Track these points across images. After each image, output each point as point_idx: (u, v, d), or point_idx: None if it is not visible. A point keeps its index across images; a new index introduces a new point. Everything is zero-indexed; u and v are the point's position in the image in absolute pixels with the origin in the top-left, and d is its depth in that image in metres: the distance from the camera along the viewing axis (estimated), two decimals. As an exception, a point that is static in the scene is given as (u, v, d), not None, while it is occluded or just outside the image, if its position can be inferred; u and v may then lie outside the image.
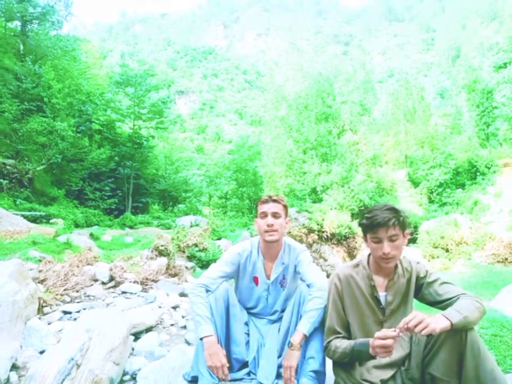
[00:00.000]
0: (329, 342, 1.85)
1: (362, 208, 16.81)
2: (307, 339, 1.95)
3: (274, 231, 2.12)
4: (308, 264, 2.18)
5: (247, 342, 2.16)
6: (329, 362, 1.99)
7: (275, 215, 2.14)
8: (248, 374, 2.09)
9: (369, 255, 1.89)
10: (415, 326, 1.48)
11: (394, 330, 1.53)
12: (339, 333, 1.85)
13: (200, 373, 1.95)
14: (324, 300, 1.97)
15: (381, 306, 1.82)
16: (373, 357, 1.66)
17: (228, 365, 1.94)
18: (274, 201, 2.17)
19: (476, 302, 1.64)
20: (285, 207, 2.22)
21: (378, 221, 1.71)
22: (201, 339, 1.97)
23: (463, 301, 1.65)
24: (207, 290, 2.11)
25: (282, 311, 2.21)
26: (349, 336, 1.85)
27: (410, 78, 31.83)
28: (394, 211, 1.73)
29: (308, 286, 2.09)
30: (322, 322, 1.98)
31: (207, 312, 2.02)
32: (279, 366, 2.02)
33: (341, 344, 1.79)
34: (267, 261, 2.25)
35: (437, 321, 1.52)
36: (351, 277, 1.86)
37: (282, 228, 2.16)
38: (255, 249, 2.27)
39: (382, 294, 1.83)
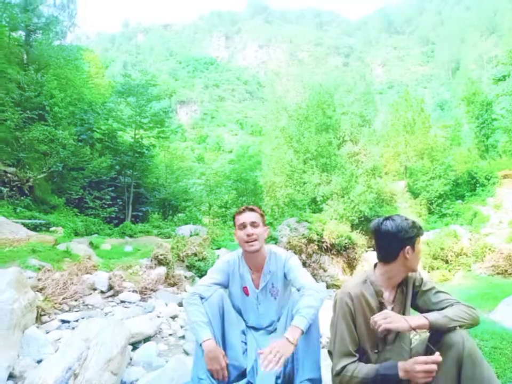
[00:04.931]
0: (344, 367, 1.74)
1: (362, 218, 16.79)
2: (300, 345, 1.90)
3: (255, 240, 2.12)
4: (298, 270, 2.16)
5: (245, 351, 2.15)
6: (324, 370, 1.98)
7: (253, 225, 2.15)
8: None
9: (374, 269, 1.87)
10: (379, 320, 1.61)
11: (440, 354, 1.54)
12: (353, 355, 1.76)
13: (199, 378, 1.97)
14: (317, 300, 1.93)
15: None
16: (400, 381, 1.62)
17: (226, 365, 1.97)
18: (251, 210, 2.19)
19: (466, 308, 1.67)
20: (262, 215, 2.24)
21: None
22: (200, 344, 1.97)
23: (452, 307, 1.68)
24: (201, 298, 2.12)
25: (279, 320, 2.19)
26: (359, 358, 1.78)
27: (410, 89, 32.01)
28: None
29: (298, 290, 2.07)
30: (315, 330, 1.96)
31: (203, 318, 2.03)
32: (277, 377, 1.98)
33: (360, 369, 1.71)
34: (253, 271, 2.25)
35: (412, 318, 1.62)
36: (362, 295, 1.80)
37: (262, 237, 2.17)
38: (241, 261, 2.27)
39: (389, 308, 1.83)
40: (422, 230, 1.79)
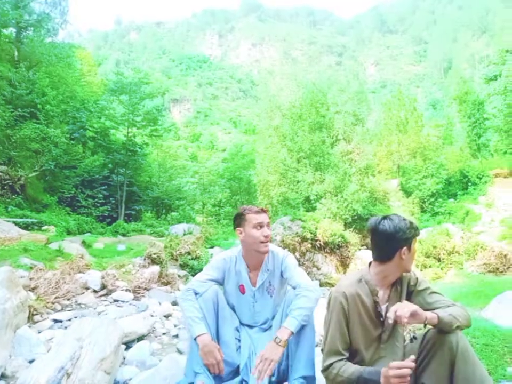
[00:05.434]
0: (331, 364, 1.74)
1: (355, 217, 16.85)
2: (294, 342, 1.92)
3: (268, 241, 2.15)
4: (294, 268, 2.19)
5: (238, 348, 2.16)
6: (318, 368, 1.98)
7: (268, 226, 2.17)
8: (241, 382, 2.08)
9: (369, 268, 1.86)
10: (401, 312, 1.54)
11: (412, 361, 1.50)
12: (342, 354, 1.75)
13: (195, 372, 1.98)
14: (311, 300, 1.96)
15: (382, 319, 1.80)
16: None
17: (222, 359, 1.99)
18: (265, 212, 2.21)
19: (463, 310, 1.69)
20: None
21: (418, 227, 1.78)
22: (195, 339, 1.98)
23: (452, 307, 1.69)
24: (196, 293, 2.13)
25: (273, 318, 2.21)
26: (349, 356, 1.78)
27: (403, 89, 32.20)
28: None
29: (294, 288, 2.09)
30: (310, 328, 1.96)
31: (198, 313, 2.04)
32: (271, 375, 1.96)
33: (346, 368, 1.69)
34: (251, 269, 2.26)
35: (424, 311, 1.60)
36: (358, 294, 1.77)
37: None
38: (239, 259, 2.28)
39: (383, 307, 1.81)
40: (419, 230, 1.77)
